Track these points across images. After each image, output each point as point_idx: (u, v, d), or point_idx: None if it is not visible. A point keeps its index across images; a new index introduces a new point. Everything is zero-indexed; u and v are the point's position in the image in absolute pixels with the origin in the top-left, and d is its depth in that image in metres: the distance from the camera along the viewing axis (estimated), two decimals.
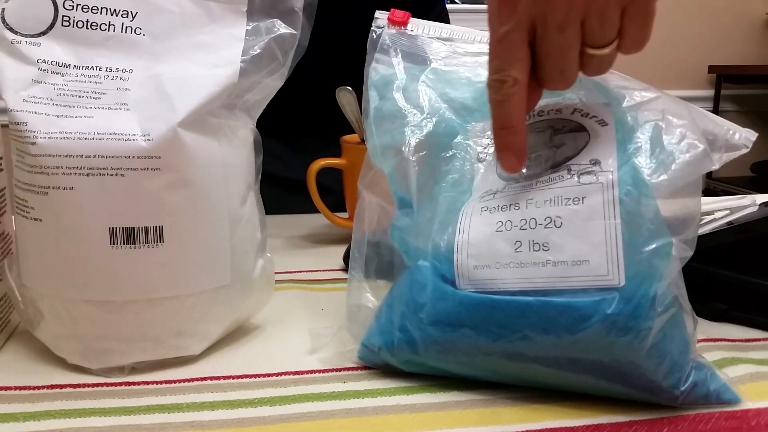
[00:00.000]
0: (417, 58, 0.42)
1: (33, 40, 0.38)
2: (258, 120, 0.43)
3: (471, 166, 0.40)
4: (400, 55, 0.42)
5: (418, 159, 0.40)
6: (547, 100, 0.40)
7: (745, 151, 0.38)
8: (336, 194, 0.70)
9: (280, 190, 0.80)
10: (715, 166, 0.36)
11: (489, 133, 0.41)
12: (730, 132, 0.38)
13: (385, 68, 0.42)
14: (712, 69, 2.74)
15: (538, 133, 0.39)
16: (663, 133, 0.36)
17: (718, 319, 0.46)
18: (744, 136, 0.38)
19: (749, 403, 0.36)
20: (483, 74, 0.42)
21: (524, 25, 0.33)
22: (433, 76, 0.42)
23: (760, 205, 0.50)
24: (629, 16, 0.33)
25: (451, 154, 0.40)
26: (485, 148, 0.40)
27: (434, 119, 0.41)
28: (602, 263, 0.33)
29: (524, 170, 0.38)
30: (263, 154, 0.44)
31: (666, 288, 0.34)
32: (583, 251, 0.34)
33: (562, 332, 0.33)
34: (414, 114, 0.41)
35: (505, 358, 0.35)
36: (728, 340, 0.43)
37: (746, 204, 0.50)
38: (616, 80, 0.39)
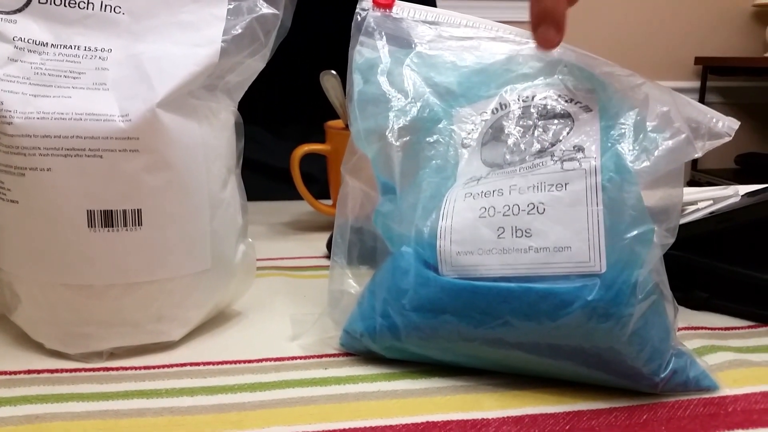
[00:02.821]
0: (402, 42, 0.42)
1: (9, 17, 0.37)
2: (240, 106, 0.43)
3: (455, 151, 0.40)
4: (384, 38, 0.42)
5: (401, 144, 0.39)
6: (531, 85, 0.40)
7: (727, 139, 0.38)
8: (320, 182, 0.70)
9: (263, 178, 0.80)
10: (698, 154, 0.36)
11: (474, 118, 0.40)
12: (714, 120, 0.38)
13: (370, 51, 0.41)
14: (698, 60, 2.76)
15: (522, 118, 0.39)
16: (646, 119, 0.36)
17: (699, 308, 0.47)
18: (727, 125, 0.38)
19: (727, 390, 0.36)
20: (468, 59, 0.41)
21: None
22: (417, 60, 0.41)
23: (743, 195, 0.51)
24: None
25: (435, 139, 0.40)
26: (469, 133, 0.40)
27: (419, 104, 0.40)
28: (584, 250, 0.33)
29: (508, 156, 0.38)
30: (245, 140, 0.44)
31: (647, 275, 0.34)
32: (565, 237, 0.33)
33: (544, 318, 0.33)
34: (398, 98, 0.40)
35: (487, 345, 0.35)
36: (708, 329, 0.44)
37: (729, 194, 0.50)
38: (601, 66, 0.39)
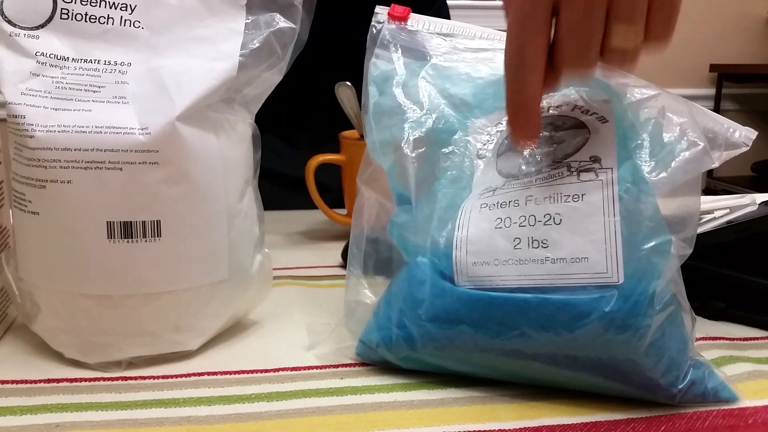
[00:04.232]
0: (417, 54, 0.42)
1: (31, 32, 0.37)
2: (255, 116, 0.43)
3: (470, 162, 0.40)
4: (400, 51, 0.42)
5: (417, 155, 0.40)
6: (546, 96, 0.40)
7: (745, 149, 0.38)
8: (333, 191, 0.70)
9: (278, 187, 0.80)
10: (715, 164, 0.36)
11: (489, 129, 0.41)
12: (730, 130, 0.38)
13: (385, 63, 0.42)
14: (713, 68, 2.74)
15: None
16: (663, 130, 0.36)
17: (717, 318, 0.46)
18: (744, 135, 0.38)
19: (746, 402, 0.36)
20: (483, 70, 0.41)
21: (548, 3, 0.32)
22: (433, 71, 0.42)
23: (760, 204, 0.50)
24: (655, 8, 0.32)
25: (450, 150, 0.40)
26: (485, 144, 0.40)
27: (434, 115, 0.40)
28: (601, 260, 0.33)
29: (524, 167, 0.38)
30: (261, 150, 0.44)
31: (665, 286, 0.33)
32: (582, 248, 0.33)
33: (561, 329, 0.33)
34: (413, 110, 0.41)
35: (503, 355, 0.35)
36: (727, 339, 0.43)
37: (746, 203, 0.50)
38: (617, 77, 0.39)
